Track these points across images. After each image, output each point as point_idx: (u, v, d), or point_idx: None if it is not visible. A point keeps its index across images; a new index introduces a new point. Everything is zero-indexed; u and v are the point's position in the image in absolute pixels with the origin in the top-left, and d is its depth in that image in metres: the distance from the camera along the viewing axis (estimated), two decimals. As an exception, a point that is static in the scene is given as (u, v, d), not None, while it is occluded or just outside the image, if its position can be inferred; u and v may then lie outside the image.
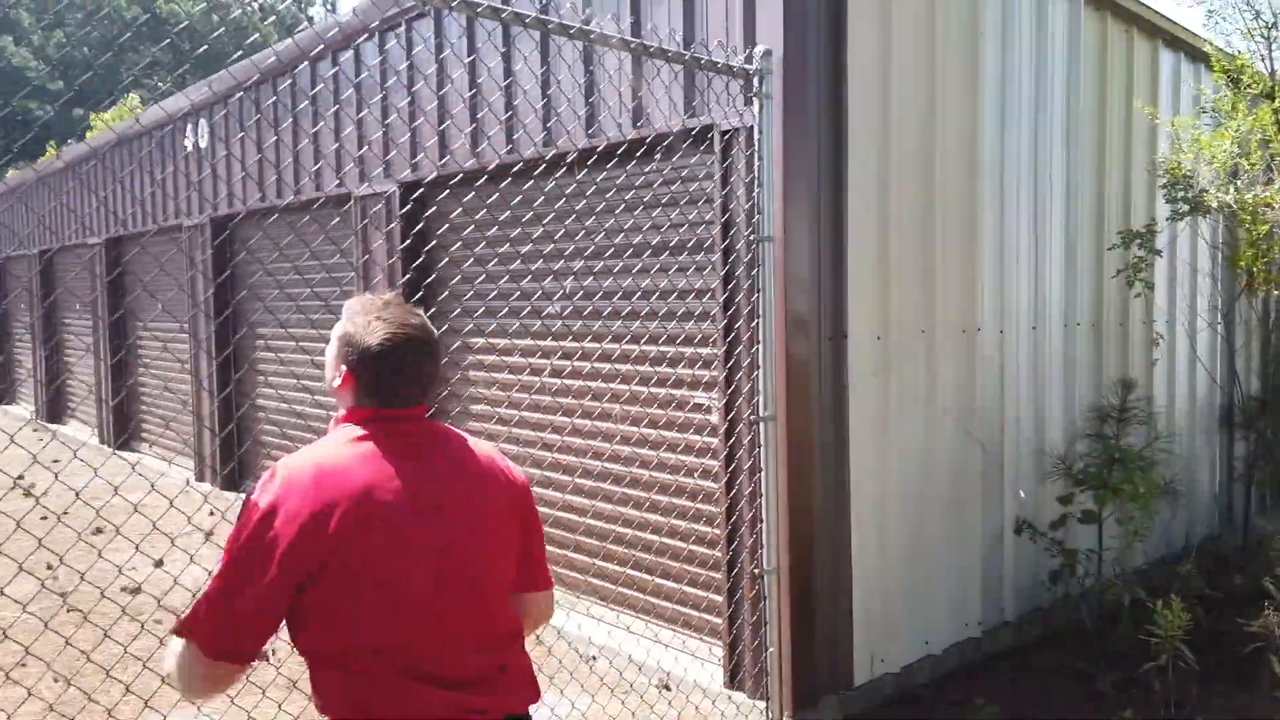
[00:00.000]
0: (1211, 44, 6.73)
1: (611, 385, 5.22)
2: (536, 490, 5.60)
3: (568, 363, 5.38)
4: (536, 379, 5.57)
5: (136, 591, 4.83)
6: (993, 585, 5.21)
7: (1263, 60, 6.24)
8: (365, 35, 6.59)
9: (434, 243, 5.40)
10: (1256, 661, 4.62)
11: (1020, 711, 4.46)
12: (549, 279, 5.37)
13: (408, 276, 5.86)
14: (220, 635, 1.79)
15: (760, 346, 4.06)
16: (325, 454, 1.90)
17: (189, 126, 9.22)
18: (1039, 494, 5.48)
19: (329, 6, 42.44)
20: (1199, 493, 7.02)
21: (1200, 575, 5.52)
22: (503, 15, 3.25)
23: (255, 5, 38.89)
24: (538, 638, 4.87)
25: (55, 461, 2.29)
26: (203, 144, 9.02)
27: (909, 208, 4.65)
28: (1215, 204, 5.53)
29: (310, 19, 40.09)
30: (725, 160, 4.41)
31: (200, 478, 9.58)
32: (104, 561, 2.78)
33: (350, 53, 6.98)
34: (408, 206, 6.23)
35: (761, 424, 4.07)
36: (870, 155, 4.44)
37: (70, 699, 3.66)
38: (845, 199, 4.34)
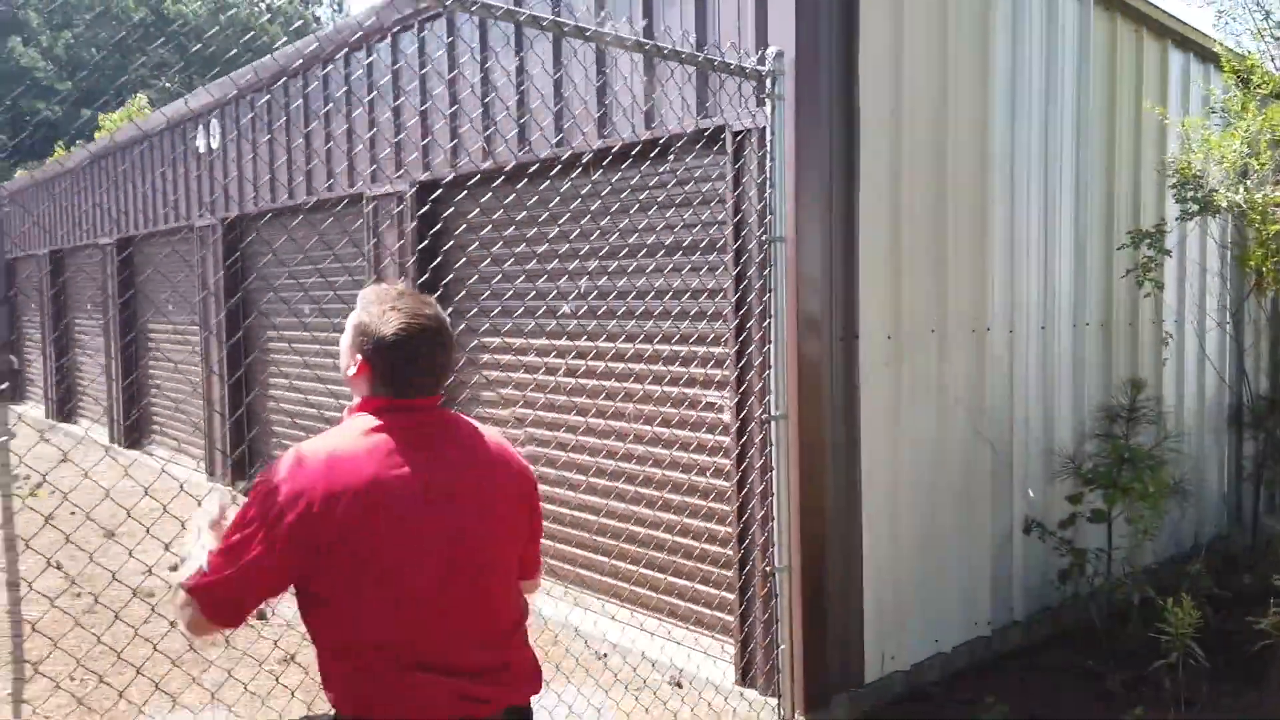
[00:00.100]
0: (1221, 44, 6.73)
1: (625, 384, 5.25)
2: (552, 489, 5.66)
3: (582, 362, 5.41)
4: (551, 378, 5.60)
5: (150, 595, 4.88)
6: (1002, 584, 5.23)
7: (1272, 60, 6.26)
8: (379, 36, 6.62)
9: (451, 242, 5.43)
10: (1266, 660, 4.64)
11: (1030, 710, 4.48)
12: (564, 279, 5.40)
13: (424, 277, 5.90)
14: (218, 604, 1.86)
15: (772, 346, 4.09)
16: (339, 442, 1.94)
17: (200, 127, 9.27)
18: (1048, 493, 5.49)
19: (335, 6, 42.51)
20: (1208, 492, 7.03)
21: (1209, 574, 5.54)
22: (520, 19, 3.28)
23: (262, 5, 38.97)
24: (554, 636, 4.92)
25: (63, 460, 2.33)
26: (214, 145, 9.07)
27: (919, 207, 4.67)
28: (1225, 204, 5.54)
29: (317, 19, 40.19)
30: (737, 161, 4.43)
31: (211, 475, 9.63)
32: (118, 559, 2.82)
33: (363, 54, 7.02)
34: (425, 206, 6.26)
35: (773, 423, 4.10)
36: (881, 155, 4.47)
37: (98, 694, 3.70)
38: (856, 199, 4.37)
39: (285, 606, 1.96)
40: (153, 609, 2.65)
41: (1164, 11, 6.27)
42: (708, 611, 4.90)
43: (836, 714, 4.34)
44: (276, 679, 3.19)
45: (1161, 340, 6.40)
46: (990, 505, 5.13)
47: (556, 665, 4.66)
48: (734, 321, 4.49)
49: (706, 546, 4.88)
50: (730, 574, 4.64)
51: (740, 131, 4.40)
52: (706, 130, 4.50)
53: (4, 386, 2.22)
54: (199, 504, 2.10)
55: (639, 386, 5.14)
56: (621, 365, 5.27)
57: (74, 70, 33.72)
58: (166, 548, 2.62)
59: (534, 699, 2.15)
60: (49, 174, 14.22)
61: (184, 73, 33.45)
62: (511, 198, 4.93)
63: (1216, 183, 5.61)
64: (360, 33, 6.67)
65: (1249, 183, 5.61)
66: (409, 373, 2.00)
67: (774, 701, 4.21)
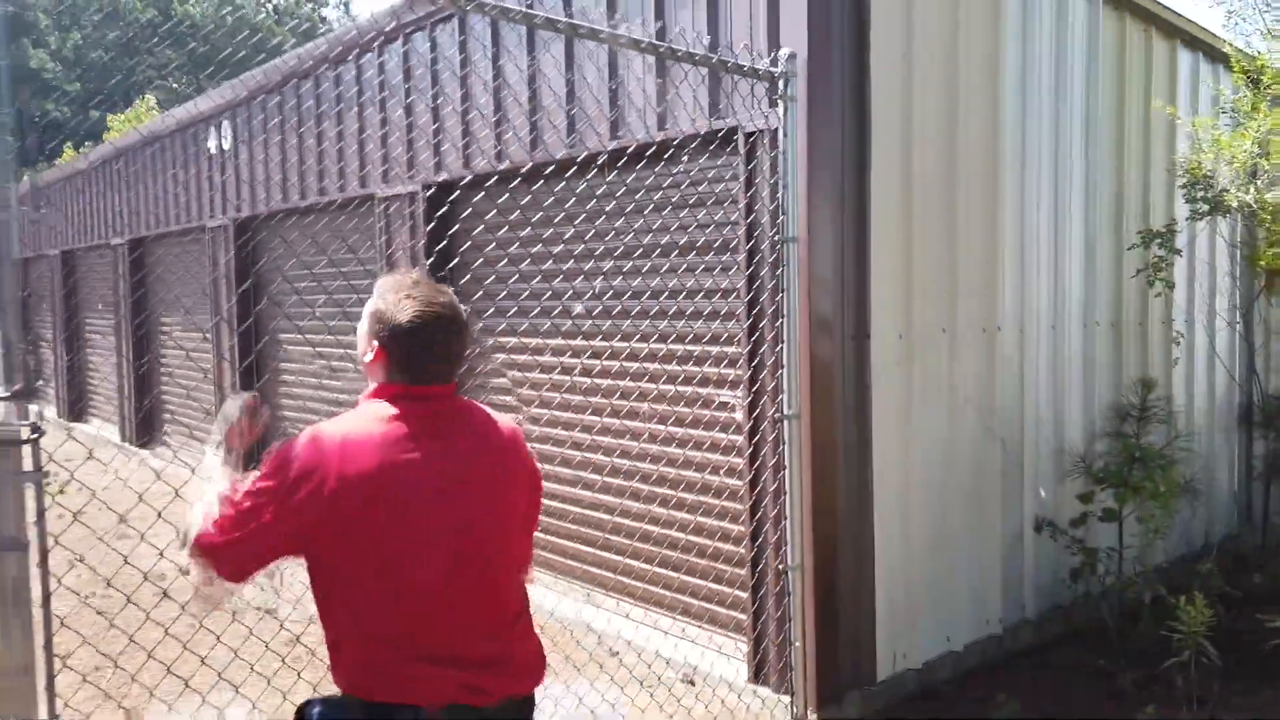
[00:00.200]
0: (1231, 44, 6.74)
1: (639, 384, 5.28)
2: (567, 489, 5.69)
3: (597, 362, 5.45)
4: (567, 378, 5.63)
5: (165, 596, 4.91)
6: (1013, 582, 5.25)
7: (1282, 60, 6.25)
8: (391, 37, 6.66)
9: (468, 243, 5.47)
10: (1278, 658, 4.65)
11: (1042, 708, 4.49)
12: (579, 279, 5.43)
13: (439, 276, 5.94)
14: (226, 564, 1.94)
15: (784, 346, 4.12)
16: (353, 426, 1.98)
17: (212, 129, 9.32)
18: (1059, 492, 5.51)
19: (342, 7, 42.63)
20: (1218, 491, 7.03)
21: (1220, 574, 5.54)
22: (535, 21, 3.31)
23: (270, 6, 39.08)
24: (570, 632, 4.95)
25: (77, 460, 2.38)
26: (226, 146, 9.12)
27: (930, 208, 4.69)
28: (1235, 204, 5.56)
29: (323, 19, 40.30)
30: (750, 162, 4.46)
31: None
32: (136, 550, 2.87)
33: (375, 55, 7.06)
34: (441, 208, 6.30)
35: (785, 422, 4.12)
36: (893, 155, 4.49)
37: (115, 681, 3.75)
38: (868, 199, 4.39)
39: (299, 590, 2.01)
40: (164, 592, 2.69)
41: (1173, 11, 6.28)
42: (721, 610, 4.93)
43: (849, 712, 4.37)
44: (283, 660, 3.24)
45: (1172, 340, 6.41)
46: (1001, 504, 5.15)
47: (570, 660, 4.69)
48: (746, 321, 4.51)
49: (719, 545, 4.91)
50: (743, 572, 4.67)
51: (753, 132, 4.43)
52: (720, 131, 4.53)
53: (24, 386, 2.25)
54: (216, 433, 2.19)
55: (653, 386, 5.17)
56: (636, 365, 5.30)
57: (82, 71, 33.87)
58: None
59: (548, 693, 2.18)
60: (60, 175, 14.29)
61: (191, 73, 33.59)
62: (525, 198, 4.97)
63: (1227, 183, 5.62)
64: (372, 34, 6.70)
65: (1259, 183, 5.63)
66: (424, 360, 2.04)
67: (787, 699, 4.24)
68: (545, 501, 5.98)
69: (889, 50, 4.44)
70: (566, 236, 4.88)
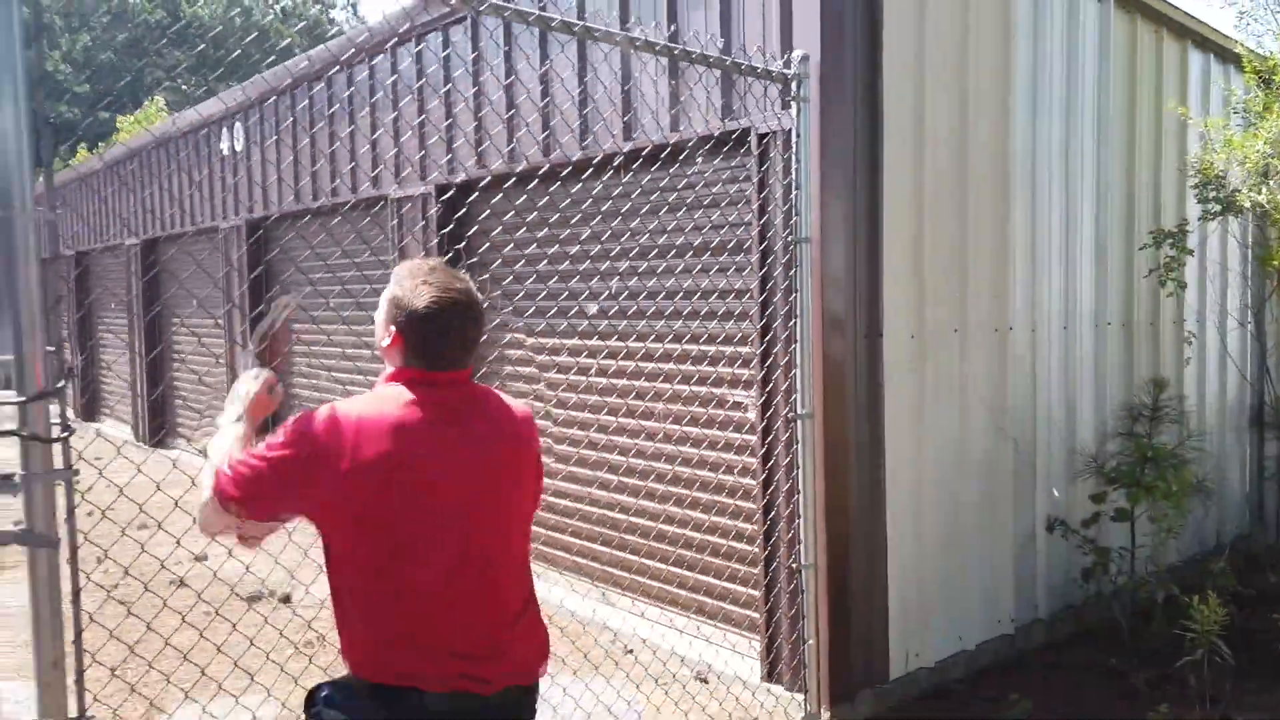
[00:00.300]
0: (1243, 45, 6.74)
1: (654, 384, 5.31)
2: (583, 489, 5.72)
3: (612, 362, 5.48)
4: (583, 379, 5.66)
5: (180, 584, 4.96)
6: (1025, 582, 5.27)
7: (1294, 61, 6.25)
8: (405, 40, 6.70)
9: (486, 244, 5.50)
10: (1291, 657, 4.66)
11: (1054, 707, 4.51)
12: (595, 279, 5.46)
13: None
14: (234, 510, 2.01)
15: (797, 346, 4.14)
16: (370, 410, 2.01)
17: (224, 130, 9.38)
18: (1070, 492, 5.52)
19: (350, 8, 42.73)
20: (1230, 491, 7.04)
21: (1233, 573, 5.55)
22: (551, 24, 3.34)
23: (278, 7, 39.19)
24: (586, 629, 4.98)
25: (98, 458, 2.42)
26: (238, 147, 9.17)
27: (942, 208, 4.71)
28: (1247, 204, 5.56)
29: (332, 20, 40.42)
30: (763, 163, 4.48)
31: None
32: (148, 555, 2.91)
33: (388, 57, 7.10)
34: (456, 209, 6.33)
35: (799, 421, 4.15)
36: (904, 156, 4.51)
37: (117, 689, 3.79)
38: (880, 200, 4.42)
39: (316, 589, 2.06)
40: (180, 579, 2.72)
41: (1184, 12, 6.28)
42: (734, 608, 4.95)
43: (861, 709, 4.39)
44: (296, 647, 3.28)
45: (1184, 340, 6.42)
46: (1013, 504, 5.17)
47: (588, 658, 4.72)
48: (760, 322, 4.54)
49: (733, 544, 4.93)
50: (756, 571, 4.69)
51: (765, 134, 4.45)
52: (733, 133, 4.55)
53: (60, 385, 2.29)
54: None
55: (667, 386, 5.20)
56: (651, 365, 5.33)
57: (91, 73, 34.02)
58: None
59: (567, 692, 2.22)
60: (73, 176, 14.37)
61: (199, 74, 33.72)
62: (539, 200, 5.00)
63: (1239, 183, 5.63)
64: (386, 37, 6.74)
65: (1272, 183, 5.63)
66: (440, 345, 2.07)
67: (800, 697, 4.26)
68: (563, 501, 6.04)
69: (901, 51, 4.46)
70: (583, 237, 4.91)
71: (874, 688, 4.46)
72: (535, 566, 5.99)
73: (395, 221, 7.00)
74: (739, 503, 4.88)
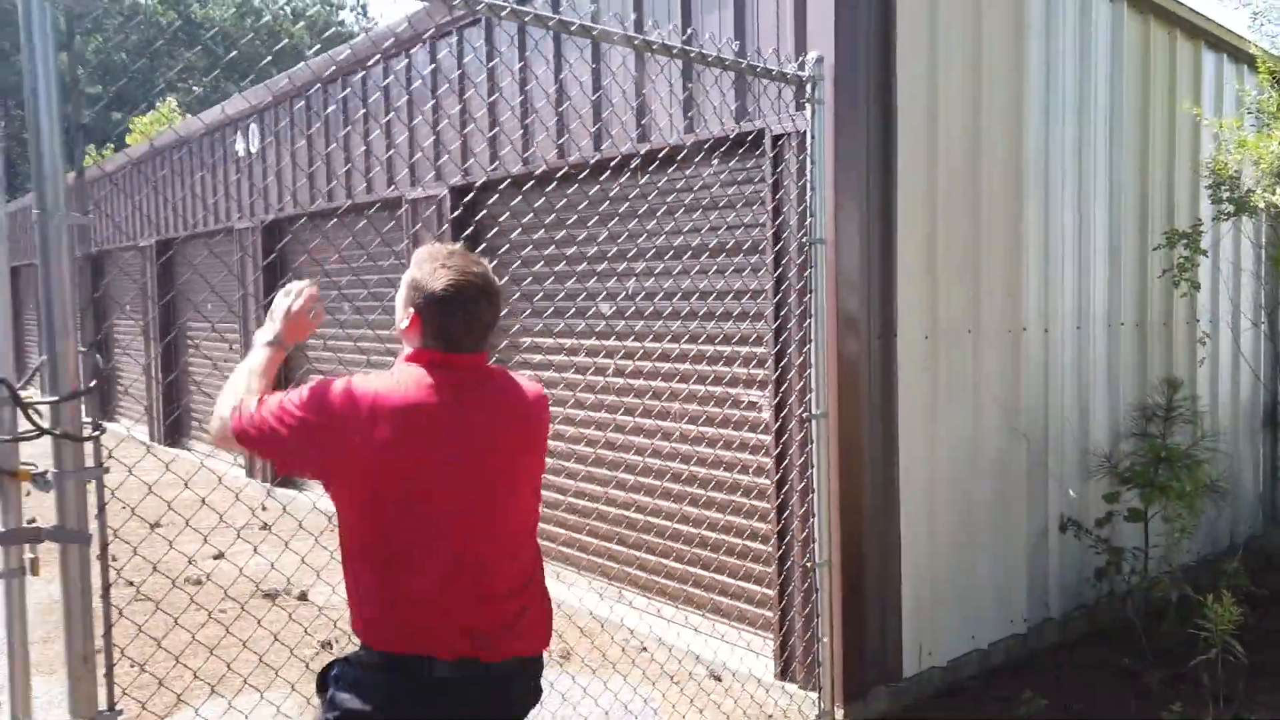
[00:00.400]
0: (1256, 45, 6.74)
1: (670, 384, 5.34)
2: (598, 488, 5.75)
3: (629, 362, 5.51)
4: (600, 379, 5.70)
5: (200, 582, 5.02)
6: (1038, 582, 5.28)
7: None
8: (419, 42, 6.74)
9: (503, 245, 5.54)
10: (1304, 658, 4.67)
11: (1067, 706, 4.52)
12: (612, 280, 5.50)
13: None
14: (250, 447, 2.13)
15: (812, 346, 4.17)
16: (386, 389, 2.06)
17: (239, 131, 9.44)
18: (1084, 492, 5.53)
19: (360, 10, 42.88)
20: (1243, 492, 7.03)
21: (1246, 573, 5.56)
22: (571, 28, 3.37)
23: (287, 9, 39.35)
24: (602, 626, 5.01)
25: (110, 457, 2.46)
26: (253, 149, 9.23)
27: (956, 208, 4.73)
28: (1262, 204, 5.56)
29: (341, 22, 40.54)
30: (777, 164, 4.51)
31: (250, 474, 9.79)
32: (171, 552, 2.95)
33: (402, 59, 7.14)
34: (471, 210, 6.36)
35: (813, 421, 4.17)
36: (918, 157, 4.54)
37: (143, 683, 3.84)
38: (894, 201, 4.44)
39: (326, 588, 2.12)
40: (207, 575, 2.76)
41: (1197, 13, 6.29)
42: (749, 607, 4.98)
43: (875, 708, 4.41)
44: (322, 645, 3.32)
45: (1197, 340, 6.42)
46: (1026, 504, 5.18)
47: (605, 657, 4.76)
48: (774, 322, 4.57)
49: (748, 543, 4.96)
50: (770, 570, 4.72)
51: (780, 135, 4.48)
52: (748, 134, 4.58)
53: (93, 384, 2.33)
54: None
55: (683, 386, 5.23)
56: (667, 365, 5.37)
57: (104, 74, 34.21)
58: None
59: (587, 691, 2.26)
60: (90, 177, 14.43)
61: (211, 76, 33.87)
62: (555, 201, 5.04)
63: (1253, 183, 5.63)
64: (404, 39, 6.79)
65: (1285, 183, 5.63)
66: (457, 327, 2.12)
67: (814, 695, 4.29)
68: (581, 501, 6.07)
69: (914, 53, 4.48)
70: (600, 238, 4.94)
71: (887, 686, 4.49)
72: (555, 566, 6.08)
73: (412, 222, 7.05)
74: (754, 502, 4.91)
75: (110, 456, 2.41)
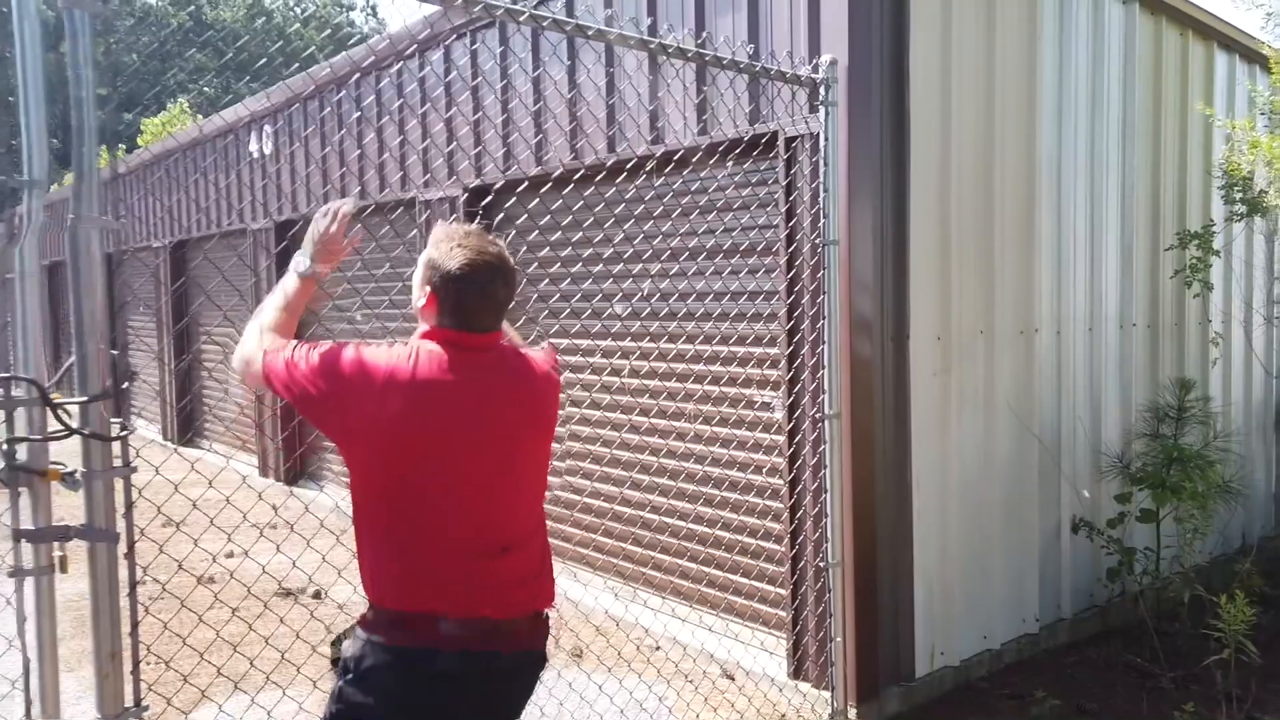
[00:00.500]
0: (1269, 46, 6.74)
1: (685, 385, 5.36)
2: (614, 489, 5.78)
3: (645, 363, 5.55)
4: (616, 379, 5.73)
5: (210, 580, 5.07)
6: (1050, 581, 5.30)
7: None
8: (435, 44, 6.79)
9: (520, 247, 5.57)
10: (1317, 658, 4.67)
11: (1080, 705, 4.54)
12: (627, 281, 5.53)
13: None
14: (271, 388, 2.19)
15: (825, 347, 4.19)
16: (401, 364, 2.11)
17: (253, 133, 9.50)
18: (1096, 492, 5.55)
19: (369, 11, 42.99)
20: (1255, 492, 7.03)
21: (1259, 574, 5.56)
22: (588, 33, 3.40)
23: (297, 10, 39.49)
24: (617, 624, 5.05)
25: (137, 456, 2.51)
26: (267, 150, 9.29)
27: (969, 210, 4.75)
28: (1275, 204, 5.57)
29: (351, 23, 40.68)
30: (791, 166, 4.54)
31: (263, 474, 9.85)
32: (190, 551, 2.99)
33: (417, 61, 7.19)
34: (500, 214, 6.38)
35: (826, 422, 4.20)
36: (931, 159, 4.55)
37: (166, 680, 3.89)
38: (907, 203, 4.46)
39: (347, 587, 2.17)
40: (230, 572, 2.80)
41: (1209, 14, 6.29)
42: (762, 607, 5.01)
43: (888, 707, 4.44)
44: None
45: (1210, 341, 6.42)
46: (1038, 504, 5.20)
47: (621, 656, 4.79)
48: (788, 324, 4.59)
49: (761, 543, 4.99)
50: (784, 570, 4.75)
51: (793, 137, 4.50)
52: (762, 137, 4.60)
53: (124, 386, 2.37)
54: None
55: (697, 387, 5.26)
56: (682, 366, 5.40)
57: (115, 75, 34.35)
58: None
59: (603, 689, 2.29)
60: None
61: (221, 77, 34.02)
62: (569, 202, 5.06)
63: (1265, 184, 5.63)
64: (416, 40, 6.83)
65: (1298, 184, 5.63)
66: (472, 305, 2.16)
67: (827, 694, 4.31)
68: (597, 502, 6.08)
69: (927, 55, 4.50)
70: (616, 240, 4.97)
71: (900, 685, 4.51)
72: (572, 566, 6.10)
73: (428, 224, 7.09)
74: (767, 502, 4.93)
75: (138, 456, 2.45)
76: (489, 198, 5.55)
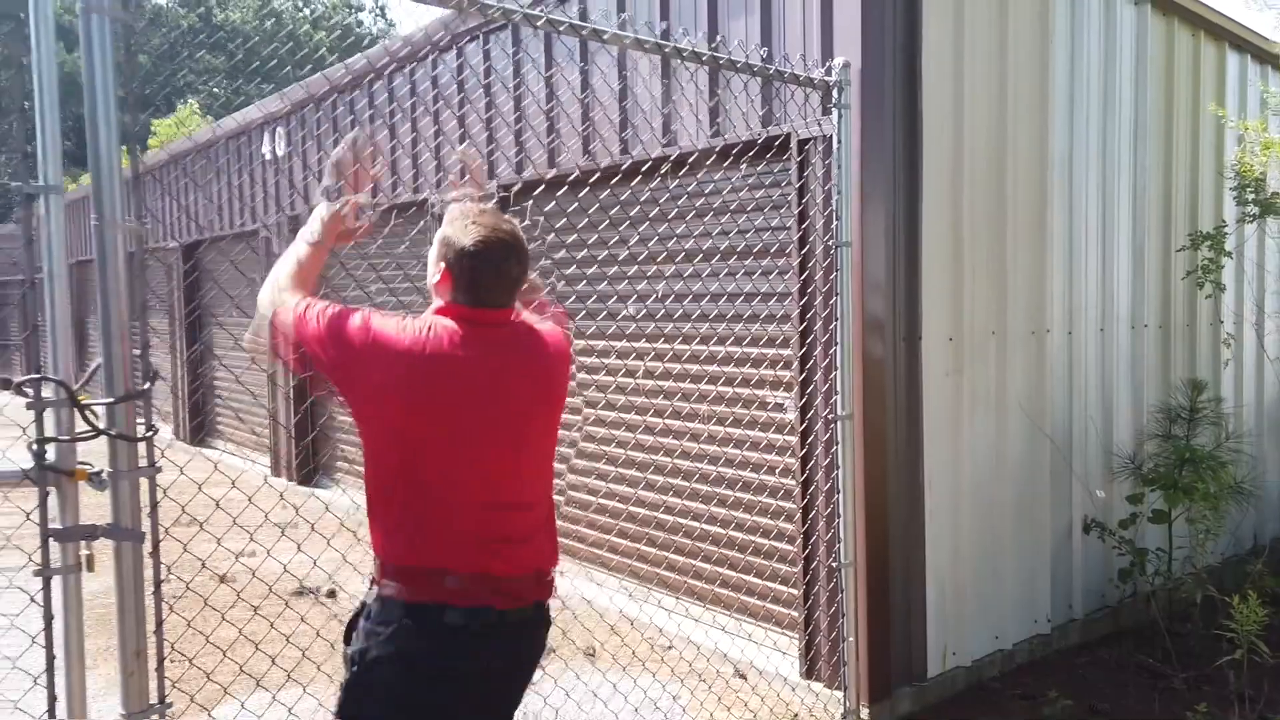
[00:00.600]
0: (1281, 46, 6.73)
1: (699, 386, 5.39)
2: (630, 490, 5.81)
3: (659, 364, 5.57)
4: (631, 380, 5.76)
5: (226, 579, 5.11)
6: (1061, 582, 5.31)
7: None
8: (449, 46, 6.82)
9: (539, 247, 5.60)
10: (1329, 659, 4.67)
11: (1092, 706, 4.55)
12: (642, 282, 5.56)
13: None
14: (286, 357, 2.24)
15: (838, 348, 4.21)
16: (414, 336, 2.14)
17: (266, 135, 9.56)
18: (1108, 493, 5.55)
19: (378, 13, 43.09)
20: (1268, 492, 7.02)
21: (1271, 574, 5.56)
22: (604, 36, 3.42)
23: (306, 11, 39.61)
24: (631, 624, 5.07)
25: (162, 456, 2.54)
26: (280, 152, 9.34)
27: (981, 211, 4.76)
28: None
29: (359, 23, 40.78)
30: (803, 168, 4.56)
31: (276, 473, 9.91)
32: (200, 551, 3.03)
33: (429, 63, 7.22)
34: (513, 215, 6.41)
35: (839, 423, 4.22)
36: (943, 161, 4.57)
37: (189, 678, 3.93)
38: (920, 204, 4.48)
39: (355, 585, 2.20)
40: (253, 573, 2.83)
41: (1221, 14, 6.29)
42: (775, 607, 5.03)
43: (900, 706, 4.45)
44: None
45: (1222, 342, 6.42)
46: (1050, 504, 5.21)
47: (635, 654, 4.82)
48: (800, 325, 4.61)
49: (774, 543, 5.01)
50: (796, 570, 4.77)
51: (806, 139, 4.52)
52: (775, 138, 4.63)
53: (147, 386, 2.41)
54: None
55: (711, 388, 5.28)
56: (696, 367, 5.42)
57: (131, 77, 34.42)
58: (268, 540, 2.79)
59: (618, 687, 2.33)
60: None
61: (231, 78, 34.16)
62: (581, 204, 5.10)
63: (1278, 185, 5.63)
64: (432, 43, 6.86)
65: (1311, 186, 5.63)
66: (486, 282, 2.20)
67: (840, 694, 4.33)
68: (612, 502, 6.10)
69: (940, 57, 4.52)
70: (632, 241, 4.99)
71: (912, 685, 4.52)
72: (587, 566, 6.11)
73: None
74: (780, 503, 4.96)
75: (163, 456, 2.49)
76: (505, 197, 5.59)
